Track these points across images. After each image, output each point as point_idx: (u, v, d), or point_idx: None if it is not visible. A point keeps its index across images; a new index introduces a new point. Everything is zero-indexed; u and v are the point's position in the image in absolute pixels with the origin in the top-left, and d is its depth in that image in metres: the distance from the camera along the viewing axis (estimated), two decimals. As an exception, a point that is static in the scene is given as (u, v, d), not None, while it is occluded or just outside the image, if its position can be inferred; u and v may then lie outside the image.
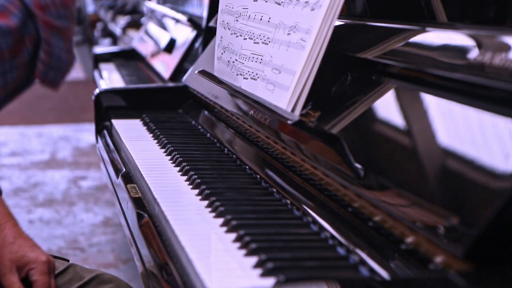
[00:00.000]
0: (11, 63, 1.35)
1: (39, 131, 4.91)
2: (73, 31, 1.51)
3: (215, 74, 1.45)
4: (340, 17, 1.09)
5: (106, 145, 1.59)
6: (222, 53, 1.41)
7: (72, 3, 1.41)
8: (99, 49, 3.67)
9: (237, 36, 1.34)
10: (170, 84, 2.00)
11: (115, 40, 5.24)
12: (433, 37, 0.94)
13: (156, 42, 2.82)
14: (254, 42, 1.27)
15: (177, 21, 2.68)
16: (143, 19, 4.00)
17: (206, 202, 1.03)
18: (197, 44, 2.23)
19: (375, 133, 0.95)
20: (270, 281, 0.75)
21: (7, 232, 1.05)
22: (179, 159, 1.25)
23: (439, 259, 0.70)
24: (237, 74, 1.32)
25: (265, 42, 1.23)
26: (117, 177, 1.33)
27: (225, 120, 1.46)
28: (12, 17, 1.06)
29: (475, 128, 0.76)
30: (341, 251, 0.85)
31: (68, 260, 1.24)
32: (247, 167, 1.24)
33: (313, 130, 1.04)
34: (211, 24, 1.93)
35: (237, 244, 0.86)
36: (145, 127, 1.62)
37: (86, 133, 4.79)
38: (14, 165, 4.01)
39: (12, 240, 1.05)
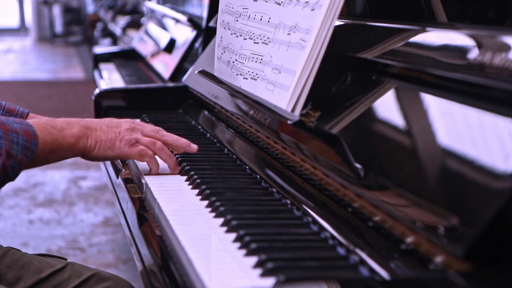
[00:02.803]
0: None
1: (39, 131, 4.89)
2: None
3: (215, 74, 1.45)
4: (340, 17, 1.09)
5: (106, 145, 1.58)
6: (222, 53, 1.41)
7: None
8: (99, 49, 3.66)
9: (237, 36, 1.34)
10: (170, 84, 2.00)
11: (115, 40, 5.24)
12: (433, 37, 0.94)
13: (156, 42, 2.82)
14: (254, 42, 1.27)
15: (177, 21, 2.68)
16: (143, 19, 4.00)
17: (206, 202, 1.03)
18: (197, 44, 2.23)
19: (375, 133, 0.95)
20: (270, 281, 0.75)
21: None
22: (179, 159, 1.25)
23: (439, 259, 0.70)
24: (237, 74, 1.32)
25: (265, 42, 1.23)
26: (117, 177, 1.33)
27: (225, 120, 1.46)
28: None
29: (475, 128, 0.76)
30: (341, 251, 0.84)
31: (66, 259, 1.24)
32: (247, 167, 1.23)
33: (313, 130, 1.04)
34: (211, 24, 1.93)
35: (237, 244, 0.86)
36: (145, 127, 1.62)
37: (86, 133, 4.77)
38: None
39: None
